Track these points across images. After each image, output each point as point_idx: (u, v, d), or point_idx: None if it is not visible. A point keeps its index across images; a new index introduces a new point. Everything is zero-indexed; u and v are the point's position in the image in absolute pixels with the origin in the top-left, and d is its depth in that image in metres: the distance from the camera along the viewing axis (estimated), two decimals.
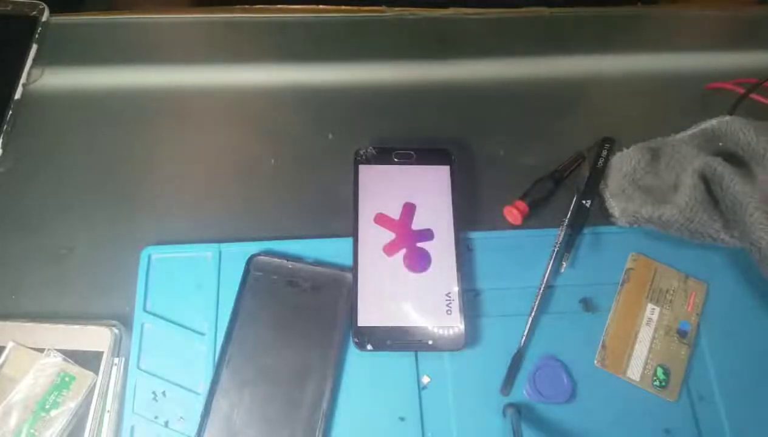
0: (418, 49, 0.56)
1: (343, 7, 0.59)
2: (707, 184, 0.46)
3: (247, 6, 0.59)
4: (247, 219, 0.47)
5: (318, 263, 0.44)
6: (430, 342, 0.41)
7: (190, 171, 0.50)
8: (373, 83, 0.55)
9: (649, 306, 0.44)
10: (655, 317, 0.44)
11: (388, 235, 0.45)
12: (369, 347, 0.41)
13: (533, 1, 0.59)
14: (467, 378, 0.42)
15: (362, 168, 0.47)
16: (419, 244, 0.44)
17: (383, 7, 0.59)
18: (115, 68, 0.55)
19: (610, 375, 0.42)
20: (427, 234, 0.45)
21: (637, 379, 0.42)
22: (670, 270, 0.45)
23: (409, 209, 0.46)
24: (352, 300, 0.42)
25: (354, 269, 0.43)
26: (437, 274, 0.43)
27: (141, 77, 0.54)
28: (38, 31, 0.55)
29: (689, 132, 0.50)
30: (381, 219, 0.45)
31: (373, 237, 0.44)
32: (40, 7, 0.57)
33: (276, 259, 0.44)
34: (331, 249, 0.45)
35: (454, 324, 0.42)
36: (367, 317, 0.42)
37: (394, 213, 0.45)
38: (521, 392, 0.41)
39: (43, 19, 0.56)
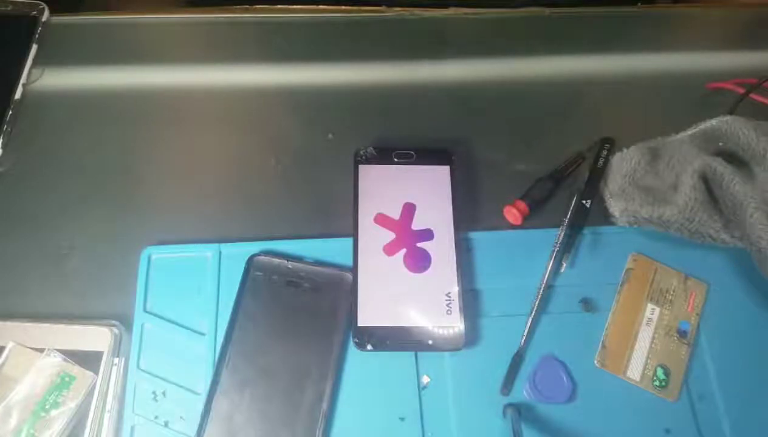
0: (418, 49, 0.56)
1: (343, 7, 0.59)
2: (707, 183, 0.46)
3: (247, 6, 0.59)
4: (247, 219, 0.47)
5: (318, 263, 0.44)
6: (430, 342, 0.41)
7: (190, 171, 0.50)
8: (373, 83, 0.55)
9: (649, 306, 0.44)
10: (655, 317, 0.44)
11: (388, 235, 0.45)
12: (369, 347, 0.41)
13: (533, 1, 0.59)
14: (467, 378, 0.42)
15: (362, 168, 0.47)
16: (419, 244, 0.44)
17: (383, 7, 0.59)
18: (115, 68, 0.55)
19: (610, 375, 0.42)
20: (427, 234, 0.45)
21: (637, 379, 0.42)
22: (670, 271, 0.45)
23: (409, 209, 0.46)
24: (352, 300, 0.42)
25: (354, 269, 0.43)
26: (437, 274, 0.43)
27: (141, 77, 0.54)
28: (38, 31, 0.55)
29: (689, 132, 0.50)
30: (381, 220, 0.45)
31: (373, 237, 0.44)
32: (40, 7, 0.57)
33: (276, 259, 0.44)
34: (331, 250, 0.45)
35: (453, 324, 0.42)
36: (367, 317, 0.42)
37: (394, 213, 0.45)
38: (521, 392, 0.41)
39: (43, 19, 0.56)
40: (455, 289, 0.43)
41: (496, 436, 0.40)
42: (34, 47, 0.55)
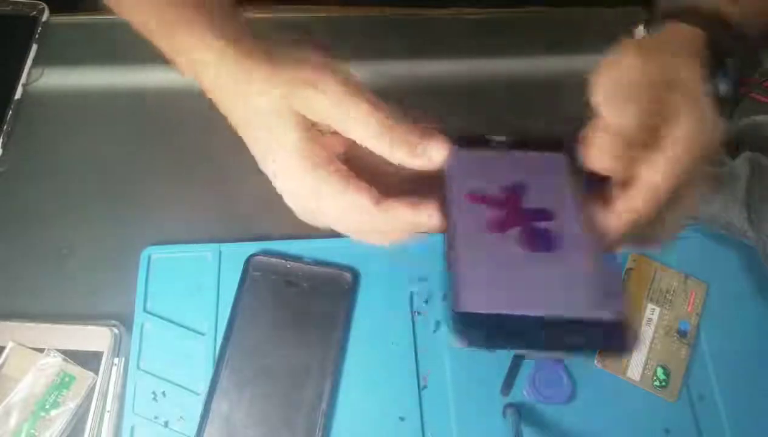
0: (418, 48, 0.56)
1: (343, 8, 0.59)
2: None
3: (247, 6, 0.59)
4: (247, 220, 0.47)
5: (317, 263, 0.44)
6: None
7: (190, 171, 0.50)
8: (373, 83, 0.54)
9: (649, 306, 0.44)
10: (655, 317, 0.44)
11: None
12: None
13: (532, 0, 0.59)
14: (467, 378, 0.42)
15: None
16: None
17: (383, 7, 0.59)
18: (115, 68, 0.55)
19: (610, 375, 0.42)
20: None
21: (637, 379, 0.42)
22: (670, 271, 0.45)
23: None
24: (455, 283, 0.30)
25: (451, 249, 0.28)
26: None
27: (141, 77, 0.54)
28: (38, 31, 0.55)
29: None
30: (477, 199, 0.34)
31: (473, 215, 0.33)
32: (40, 7, 0.56)
33: (275, 259, 0.44)
34: (331, 250, 0.45)
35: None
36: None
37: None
38: (521, 392, 0.41)
39: (43, 19, 0.56)
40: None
41: (496, 436, 0.40)
42: (34, 47, 0.54)
